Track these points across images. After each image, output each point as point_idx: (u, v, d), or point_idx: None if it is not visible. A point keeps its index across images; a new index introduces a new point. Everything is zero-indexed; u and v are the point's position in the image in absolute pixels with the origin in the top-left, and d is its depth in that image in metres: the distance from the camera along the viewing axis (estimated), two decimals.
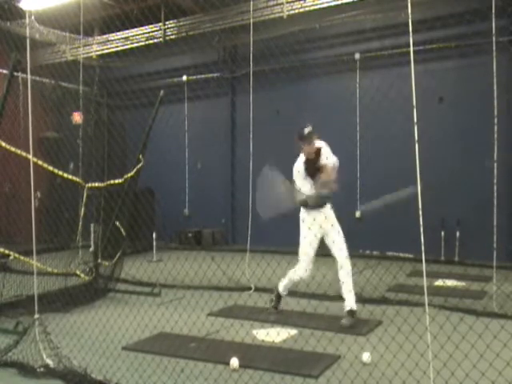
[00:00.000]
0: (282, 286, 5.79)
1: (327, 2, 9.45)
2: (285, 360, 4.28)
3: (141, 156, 6.89)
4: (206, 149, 12.65)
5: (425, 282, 3.26)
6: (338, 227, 5.47)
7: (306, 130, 5.40)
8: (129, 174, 6.90)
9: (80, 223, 8.11)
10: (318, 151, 5.49)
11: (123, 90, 10.40)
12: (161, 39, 11.33)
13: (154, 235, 10.13)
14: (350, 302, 5.31)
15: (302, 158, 5.54)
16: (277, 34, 10.03)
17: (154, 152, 8.37)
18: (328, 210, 5.51)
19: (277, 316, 5.69)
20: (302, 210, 5.50)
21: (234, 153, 12.51)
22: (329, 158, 5.44)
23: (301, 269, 5.50)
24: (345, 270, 5.33)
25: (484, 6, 6.43)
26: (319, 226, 5.39)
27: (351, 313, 5.31)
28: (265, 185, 5.57)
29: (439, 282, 7.41)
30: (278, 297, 5.84)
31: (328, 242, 5.43)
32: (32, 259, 4.78)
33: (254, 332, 5.11)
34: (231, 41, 11.27)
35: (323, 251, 5.51)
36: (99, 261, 6.98)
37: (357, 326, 5.22)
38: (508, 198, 8.88)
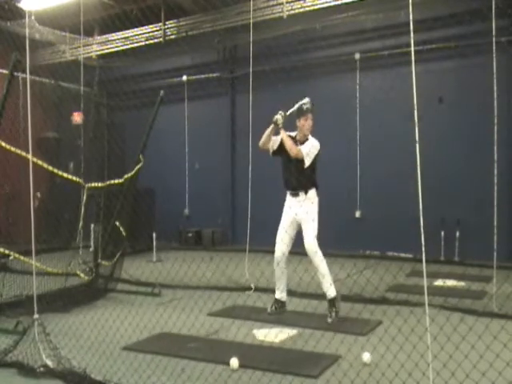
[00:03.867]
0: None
1: (327, 2, 9.46)
2: (284, 360, 4.28)
3: (141, 156, 6.89)
4: (206, 149, 12.65)
5: (425, 281, 3.26)
6: (314, 218, 5.52)
7: (305, 107, 5.67)
8: (129, 174, 6.90)
9: (80, 223, 8.12)
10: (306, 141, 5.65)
11: (123, 90, 10.40)
12: (161, 39, 11.34)
13: (153, 235, 10.12)
14: (328, 291, 5.41)
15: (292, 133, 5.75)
16: (277, 34, 10.04)
17: (155, 152, 8.37)
18: (308, 202, 5.56)
19: (276, 316, 5.68)
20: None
21: (234, 153, 12.50)
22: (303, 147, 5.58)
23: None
24: (313, 250, 5.40)
25: (484, 7, 6.42)
26: (294, 214, 5.59)
27: (332, 302, 5.38)
28: None
29: (439, 282, 7.41)
30: (276, 300, 5.83)
31: (302, 228, 5.55)
32: (32, 259, 4.77)
33: (254, 332, 5.10)
34: (231, 41, 11.27)
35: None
36: (99, 261, 6.98)
37: (353, 324, 5.23)
38: (508, 198, 8.88)
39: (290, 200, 5.68)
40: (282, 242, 5.64)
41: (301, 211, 5.53)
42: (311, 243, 5.40)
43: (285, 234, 5.63)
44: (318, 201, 5.63)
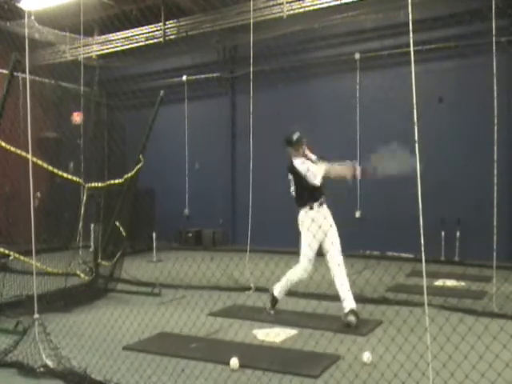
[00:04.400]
0: (277, 289, 5.77)
1: (327, 2, 9.47)
2: (284, 360, 4.28)
3: (141, 156, 6.89)
4: (206, 149, 12.65)
5: (424, 282, 3.26)
6: (335, 227, 5.49)
7: (295, 136, 5.45)
8: (129, 174, 6.90)
9: (80, 223, 8.12)
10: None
11: (123, 90, 10.41)
12: (161, 39, 11.34)
13: (154, 235, 10.12)
14: (351, 302, 5.30)
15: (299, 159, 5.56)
16: (277, 34, 10.04)
17: (155, 152, 8.37)
18: (326, 210, 5.52)
19: (276, 316, 5.68)
20: (302, 212, 5.50)
21: (234, 153, 12.51)
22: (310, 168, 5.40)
23: (300, 269, 5.50)
24: (344, 270, 5.34)
25: (484, 7, 6.42)
26: (319, 228, 5.36)
27: (353, 312, 5.30)
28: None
29: (439, 282, 7.41)
30: (274, 300, 5.82)
31: (326, 242, 5.43)
32: (32, 259, 4.77)
33: (254, 332, 5.11)
34: (231, 41, 11.27)
35: (319, 251, 5.51)
36: (99, 261, 6.98)
37: (357, 325, 5.22)
38: (508, 198, 8.88)
39: (309, 216, 5.40)
40: (308, 262, 5.44)
41: (328, 227, 5.40)
42: (342, 262, 5.39)
43: (312, 253, 5.43)
44: None
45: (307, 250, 5.40)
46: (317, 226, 5.29)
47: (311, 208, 5.42)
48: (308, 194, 5.44)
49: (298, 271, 5.53)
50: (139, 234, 9.92)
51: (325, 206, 5.52)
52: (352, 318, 5.19)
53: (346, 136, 10.49)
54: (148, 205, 11.12)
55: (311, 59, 11.24)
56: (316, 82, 11.08)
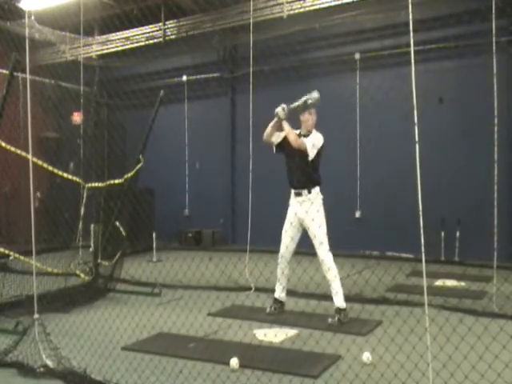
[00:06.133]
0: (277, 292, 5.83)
1: (327, 2, 9.47)
2: (284, 360, 4.27)
3: (141, 156, 6.89)
4: (206, 149, 12.65)
5: (425, 282, 3.25)
6: (320, 221, 5.43)
7: (309, 101, 5.49)
8: (129, 174, 6.90)
9: (80, 223, 8.12)
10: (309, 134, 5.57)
11: (123, 90, 10.41)
12: (161, 39, 11.35)
13: (153, 235, 10.12)
14: (338, 303, 5.36)
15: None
16: (277, 34, 10.03)
17: (154, 152, 8.37)
18: (308, 203, 5.46)
19: (276, 316, 5.68)
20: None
21: (234, 153, 12.51)
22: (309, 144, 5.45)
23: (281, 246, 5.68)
24: (326, 266, 5.34)
25: (484, 7, 6.42)
26: (294, 214, 5.53)
27: (338, 311, 5.35)
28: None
29: (439, 282, 7.41)
30: (275, 300, 5.83)
31: (310, 235, 5.47)
32: (32, 259, 4.78)
33: (253, 332, 5.11)
34: (231, 41, 11.27)
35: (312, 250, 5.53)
36: (99, 261, 6.98)
37: (352, 325, 5.23)
38: (508, 198, 8.88)
39: (292, 199, 5.60)
40: (282, 243, 5.64)
41: (304, 215, 5.44)
42: (325, 258, 5.34)
43: (284, 233, 5.64)
44: (322, 199, 5.55)
45: (284, 235, 5.62)
46: (293, 213, 5.55)
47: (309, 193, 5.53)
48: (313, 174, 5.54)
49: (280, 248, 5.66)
50: (139, 234, 9.91)
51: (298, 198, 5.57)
52: (329, 320, 5.27)
53: (346, 136, 10.49)
54: (148, 205, 11.11)
55: (311, 59, 11.24)
56: (316, 81, 11.03)
